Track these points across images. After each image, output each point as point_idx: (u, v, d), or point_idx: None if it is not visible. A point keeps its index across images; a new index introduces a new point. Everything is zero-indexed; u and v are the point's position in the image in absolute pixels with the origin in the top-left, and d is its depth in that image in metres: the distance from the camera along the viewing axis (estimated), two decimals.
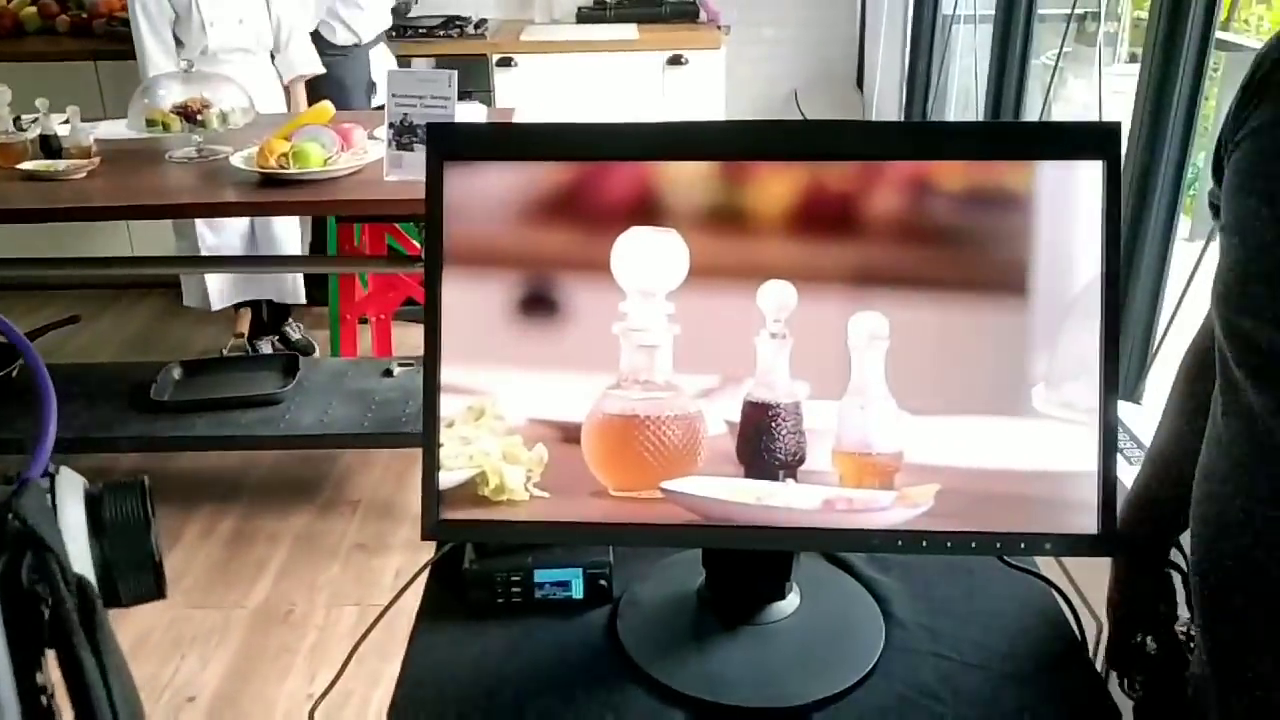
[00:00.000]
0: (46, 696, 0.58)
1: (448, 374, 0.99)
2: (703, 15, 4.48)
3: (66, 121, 2.83)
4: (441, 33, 4.36)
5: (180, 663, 2.36)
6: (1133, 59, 2.58)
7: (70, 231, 3.65)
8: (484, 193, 1.00)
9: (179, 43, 3.28)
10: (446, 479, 1.00)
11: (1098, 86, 2.19)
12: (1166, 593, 1.03)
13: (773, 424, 0.98)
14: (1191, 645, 0.93)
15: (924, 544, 0.97)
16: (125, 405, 2.80)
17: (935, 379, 0.98)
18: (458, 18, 4.45)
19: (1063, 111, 2.72)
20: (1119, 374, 0.96)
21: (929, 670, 1.02)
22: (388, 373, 2.97)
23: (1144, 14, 2.28)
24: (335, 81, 3.57)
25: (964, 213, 0.96)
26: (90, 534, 0.63)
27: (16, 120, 2.88)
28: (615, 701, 0.99)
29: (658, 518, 0.99)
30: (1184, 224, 1.88)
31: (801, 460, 0.99)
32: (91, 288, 4.27)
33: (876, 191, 0.97)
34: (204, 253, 3.43)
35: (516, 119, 3.39)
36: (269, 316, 3.75)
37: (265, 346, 3.71)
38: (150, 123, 2.82)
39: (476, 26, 4.44)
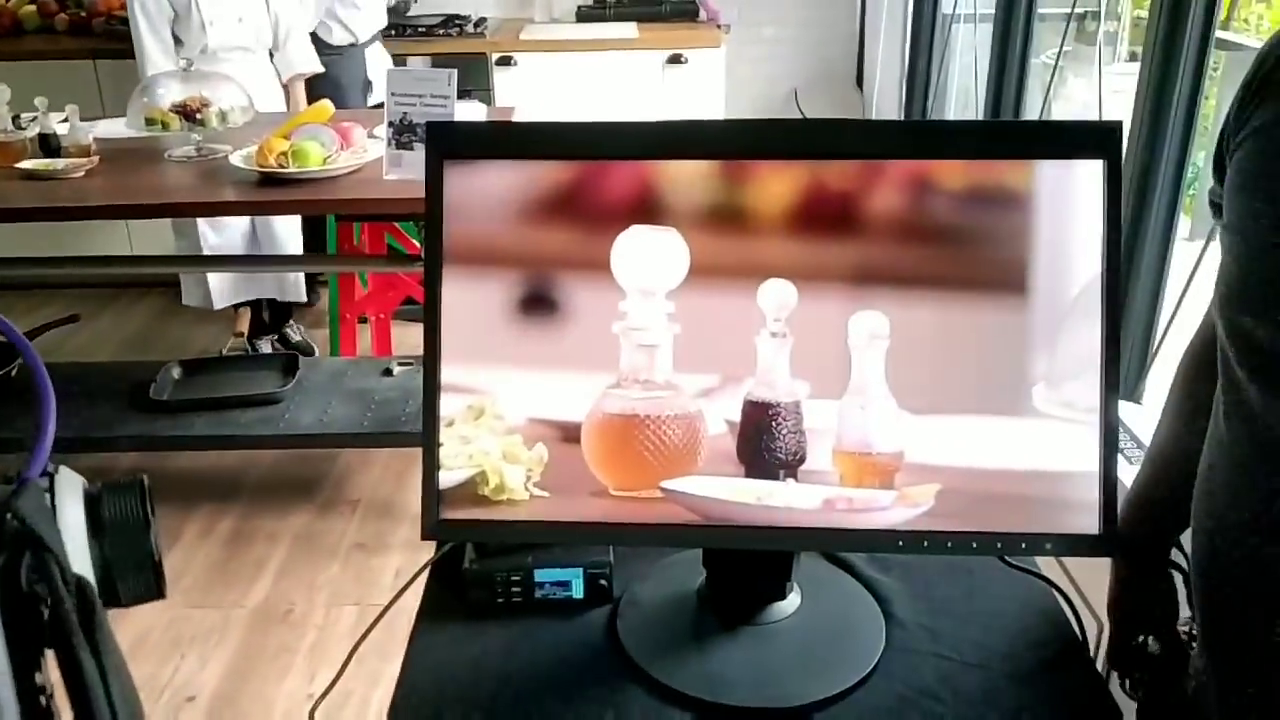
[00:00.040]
0: (46, 697, 0.58)
1: (447, 373, 0.99)
2: (702, 14, 4.48)
3: (65, 120, 2.83)
4: (441, 31, 4.36)
5: (180, 662, 2.36)
6: (1133, 58, 2.57)
7: (69, 230, 3.64)
8: (484, 192, 1.00)
9: (178, 41, 3.27)
10: (446, 478, 1.00)
11: (1098, 86, 2.19)
12: (1167, 593, 1.03)
13: (773, 423, 0.98)
14: (1193, 644, 0.93)
15: (924, 544, 0.97)
16: (125, 404, 2.80)
17: (936, 378, 0.98)
18: (457, 16, 4.45)
19: (1062, 111, 2.72)
20: (1119, 373, 0.96)
21: (929, 670, 1.02)
22: (387, 372, 2.97)
23: (1144, 13, 2.27)
24: (331, 81, 3.57)
25: (964, 212, 0.96)
26: (89, 534, 0.63)
27: (15, 119, 2.88)
28: (615, 701, 0.98)
29: (658, 517, 0.99)
30: (1184, 223, 1.88)
31: (802, 460, 0.99)
32: (91, 287, 4.27)
33: (877, 191, 0.96)
34: (206, 251, 3.42)
35: (516, 118, 3.38)
36: (270, 318, 3.75)
37: (265, 346, 3.71)
38: (149, 121, 2.82)
39: (476, 25, 4.44)
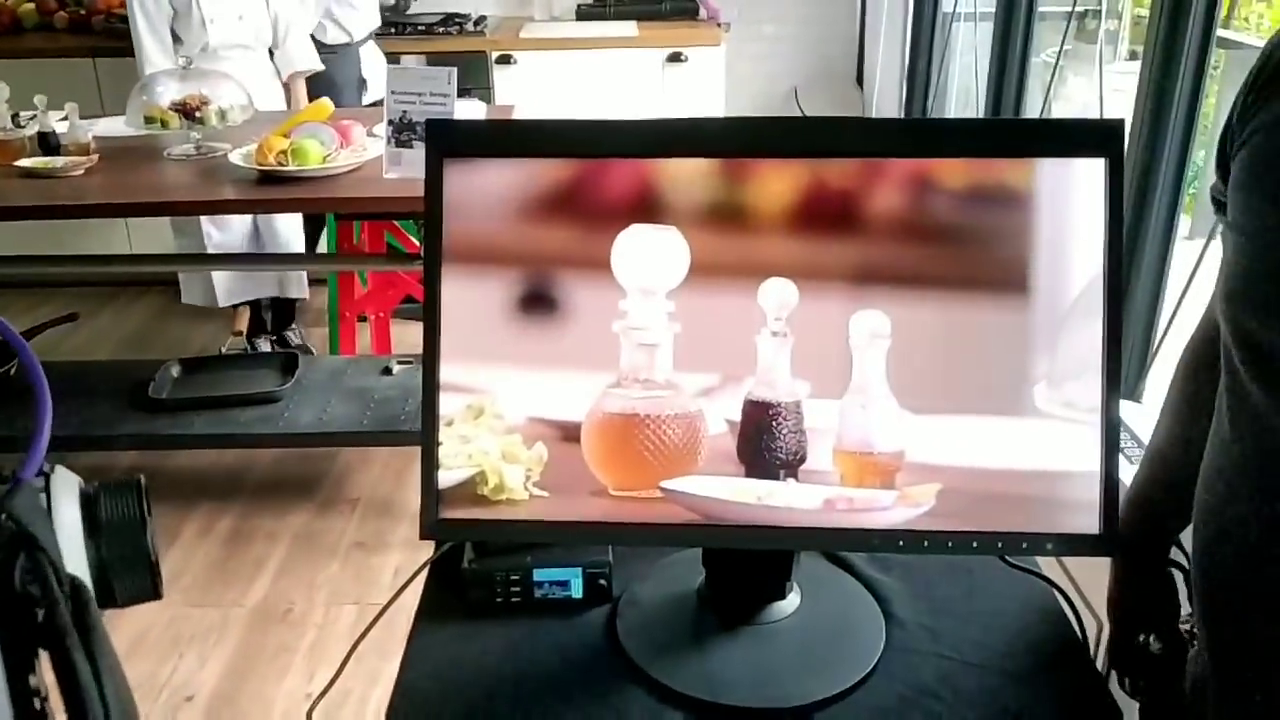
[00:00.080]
0: (40, 699, 0.58)
1: (447, 372, 0.99)
2: (702, 12, 4.47)
3: (65, 118, 2.83)
4: (441, 30, 4.36)
5: (178, 661, 2.36)
6: (1133, 57, 2.57)
7: (68, 229, 3.64)
8: (483, 190, 0.99)
9: (178, 39, 3.27)
10: (445, 478, 0.99)
11: (1098, 84, 2.19)
12: (1167, 592, 1.03)
13: (773, 423, 0.98)
14: (1194, 642, 0.93)
15: (925, 544, 0.97)
16: (124, 403, 2.80)
17: (937, 378, 0.98)
18: (457, 15, 4.44)
19: (1063, 110, 2.72)
20: (1120, 373, 0.96)
21: (930, 670, 1.01)
22: (387, 371, 2.97)
23: (1144, 11, 2.27)
24: (326, 80, 3.56)
25: (966, 211, 0.96)
26: (85, 534, 0.63)
27: (15, 117, 2.87)
28: (615, 701, 0.98)
29: (657, 517, 0.98)
30: (1184, 222, 1.87)
31: (802, 459, 0.99)
32: (90, 285, 4.26)
33: (878, 189, 0.96)
34: (210, 249, 3.42)
35: (516, 116, 3.38)
36: (272, 323, 3.74)
37: (264, 344, 3.71)
38: (149, 120, 2.82)
39: (476, 23, 4.43)
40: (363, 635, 1.09)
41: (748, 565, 1.05)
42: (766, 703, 0.97)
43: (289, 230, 3.50)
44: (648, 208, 0.97)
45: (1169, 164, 1.77)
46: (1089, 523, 0.95)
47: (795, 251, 0.96)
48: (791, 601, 1.07)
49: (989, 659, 1.03)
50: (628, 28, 4.38)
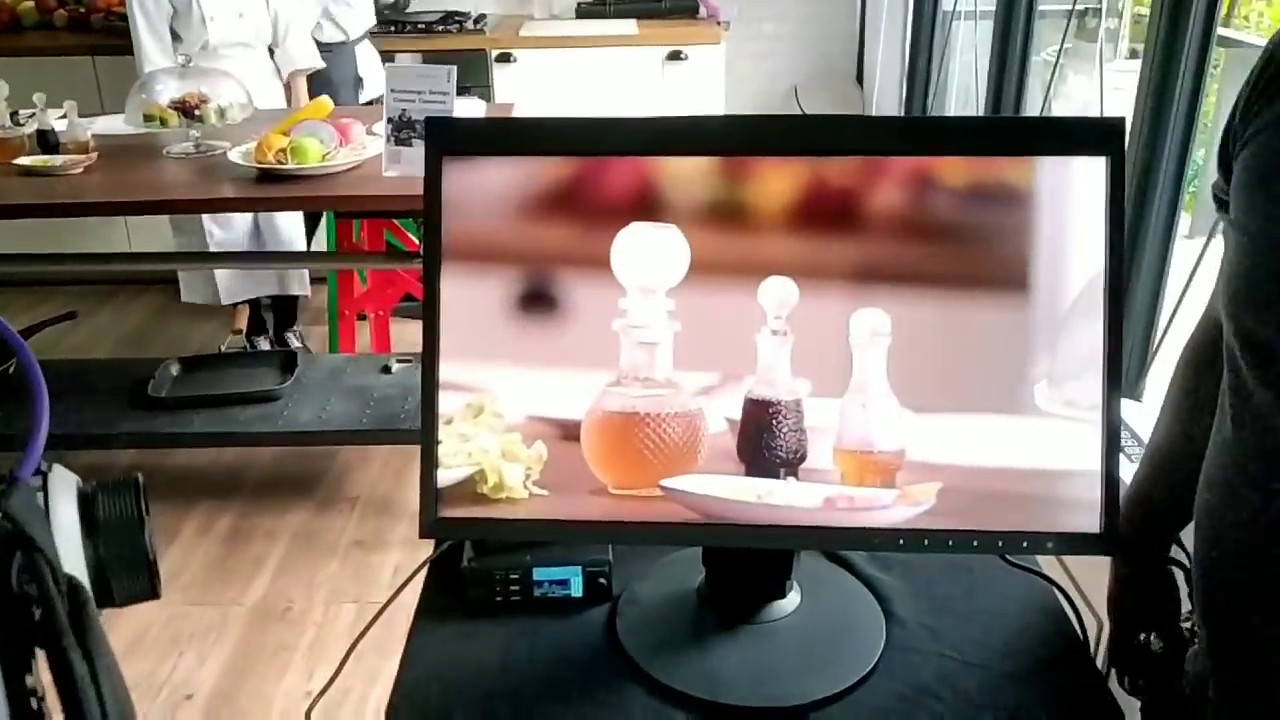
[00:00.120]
0: (37, 699, 0.58)
1: (446, 370, 0.99)
2: (702, 10, 4.47)
3: (64, 116, 2.82)
4: (440, 27, 4.35)
5: (178, 660, 2.36)
6: (1133, 55, 2.57)
7: (67, 227, 3.64)
8: (483, 188, 0.99)
9: (177, 37, 3.27)
10: (445, 476, 0.99)
11: (1099, 83, 2.19)
12: (1167, 590, 1.03)
13: (774, 421, 0.98)
14: (1195, 642, 0.92)
15: (925, 542, 0.97)
16: (123, 402, 2.80)
17: (937, 376, 0.97)
18: (457, 13, 4.44)
19: (1063, 108, 2.71)
20: (1121, 371, 0.95)
21: (930, 669, 1.01)
22: (386, 369, 2.96)
23: (1145, 10, 2.27)
24: (323, 78, 3.56)
25: (966, 209, 0.96)
26: (83, 533, 0.62)
27: (14, 115, 2.87)
28: (614, 700, 0.98)
29: (657, 516, 0.98)
30: (1184, 221, 1.87)
31: (802, 458, 0.98)
32: (89, 284, 4.26)
33: (878, 187, 0.96)
34: (213, 248, 3.41)
35: (516, 114, 3.38)
36: (274, 323, 3.74)
37: (264, 343, 3.71)
38: (148, 118, 2.82)
39: (475, 21, 4.43)
40: (362, 634, 1.09)
41: (748, 564, 1.05)
42: (766, 702, 0.97)
43: (290, 228, 3.50)
44: (648, 206, 0.97)
45: (1169, 162, 1.77)
46: (1089, 521, 0.95)
47: (795, 250, 0.96)
48: (791, 600, 1.07)
49: (989, 658, 1.03)
50: (628, 26, 4.38)
